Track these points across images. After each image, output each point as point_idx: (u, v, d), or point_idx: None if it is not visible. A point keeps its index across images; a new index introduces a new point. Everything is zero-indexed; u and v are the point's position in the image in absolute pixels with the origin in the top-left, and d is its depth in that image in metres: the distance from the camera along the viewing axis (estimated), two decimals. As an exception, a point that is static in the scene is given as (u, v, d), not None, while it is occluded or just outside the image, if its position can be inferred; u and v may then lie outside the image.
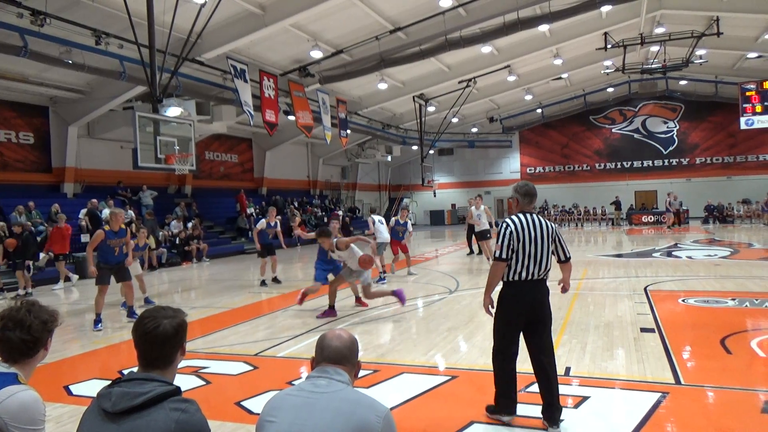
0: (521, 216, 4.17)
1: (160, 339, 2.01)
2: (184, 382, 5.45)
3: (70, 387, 5.64)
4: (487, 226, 15.21)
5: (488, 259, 15.01)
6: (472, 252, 17.58)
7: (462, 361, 6.04)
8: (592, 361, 5.72)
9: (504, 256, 4.08)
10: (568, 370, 5.43)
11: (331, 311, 8.73)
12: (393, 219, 13.69)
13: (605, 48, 22.85)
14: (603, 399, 4.72)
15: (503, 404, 4.24)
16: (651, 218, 30.85)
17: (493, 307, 4.32)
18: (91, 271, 8.44)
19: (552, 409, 4.09)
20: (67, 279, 14.03)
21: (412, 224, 15.82)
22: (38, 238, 14.46)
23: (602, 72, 28.35)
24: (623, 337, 6.61)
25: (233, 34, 15.62)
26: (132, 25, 11.36)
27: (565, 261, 4.39)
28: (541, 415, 4.15)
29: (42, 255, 13.74)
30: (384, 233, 12.85)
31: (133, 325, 2.08)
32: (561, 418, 4.13)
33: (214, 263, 18.91)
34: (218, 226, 23.69)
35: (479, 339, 6.96)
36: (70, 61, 13.72)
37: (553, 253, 4.27)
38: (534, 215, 4.23)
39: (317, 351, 2.30)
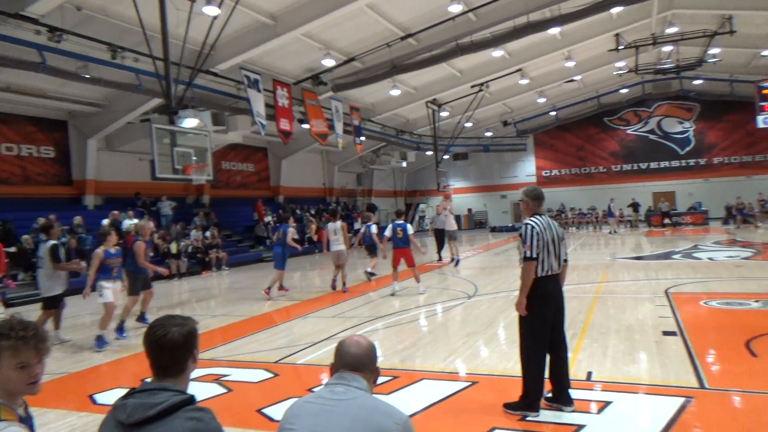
0: (539, 217, 4.51)
1: (170, 347, 2.01)
2: (205, 390, 5.49)
3: (95, 396, 5.71)
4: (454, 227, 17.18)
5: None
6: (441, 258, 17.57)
7: (482, 366, 6.01)
8: (613, 365, 5.66)
9: (535, 255, 4.38)
10: (589, 374, 5.38)
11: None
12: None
13: (617, 49, 22.70)
14: (626, 404, 4.66)
15: (534, 403, 4.41)
16: (670, 220, 30.47)
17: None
18: (162, 271, 9.52)
19: (567, 392, 4.49)
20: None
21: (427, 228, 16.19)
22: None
23: (615, 73, 28.15)
24: (645, 341, 6.52)
25: (246, 45, 15.77)
26: (146, 38, 11.55)
27: (564, 262, 4.63)
28: (553, 403, 4.51)
29: None
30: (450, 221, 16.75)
31: (143, 333, 2.11)
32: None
33: (234, 272, 19.04)
34: (236, 234, 23.85)
35: (499, 344, 6.93)
36: (87, 76, 13.94)
37: None
38: (546, 216, 4.58)
39: (336, 357, 2.31)
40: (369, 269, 13.77)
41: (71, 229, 16.09)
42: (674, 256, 15.60)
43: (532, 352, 4.46)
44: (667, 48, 24.59)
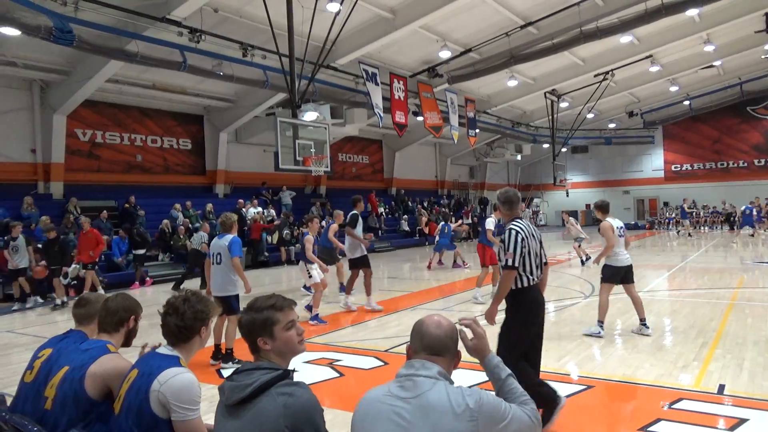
0: (521, 221, 4.25)
1: (242, 328, 2.18)
2: (319, 373, 5.77)
3: (221, 370, 6.21)
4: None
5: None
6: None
7: (598, 370, 5.74)
8: (751, 379, 5.16)
9: (517, 263, 4.12)
10: (722, 387, 4.95)
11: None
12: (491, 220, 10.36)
13: (766, 30, 20.42)
14: (764, 423, 4.25)
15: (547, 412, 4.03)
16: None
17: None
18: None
19: None
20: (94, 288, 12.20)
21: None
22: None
23: (763, 57, 25.33)
24: (789, 356, 5.88)
25: (365, 39, 16.16)
26: (274, 36, 12.20)
27: (545, 265, 4.43)
28: None
29: (73, 266, 12.27)
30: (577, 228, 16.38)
31: None
32: None
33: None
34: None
35: (616, 348, 6.57)
36: (221, 73, 15.03)
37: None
38: (526, 220, 4.36)
39: (414, 339, 2.15)
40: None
41: (204, 215, 17.48)
42: (829, 263, 13.85)
43: (518, 363, 4.05)
44: (830, 27, 21.69)
